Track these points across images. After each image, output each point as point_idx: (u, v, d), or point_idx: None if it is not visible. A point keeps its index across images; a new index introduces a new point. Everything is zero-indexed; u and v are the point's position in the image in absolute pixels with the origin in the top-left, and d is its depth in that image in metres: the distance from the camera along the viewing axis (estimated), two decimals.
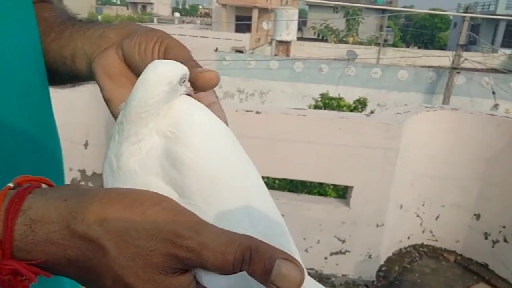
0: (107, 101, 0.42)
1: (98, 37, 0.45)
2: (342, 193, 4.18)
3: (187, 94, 0.35)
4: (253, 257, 0.28)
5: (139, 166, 0.32)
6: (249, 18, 21.65)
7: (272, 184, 5.11)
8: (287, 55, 16.68)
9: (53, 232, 0.28)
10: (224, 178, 0.33)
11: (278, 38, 17.55)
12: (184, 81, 0.34)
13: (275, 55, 16.19)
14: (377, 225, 2.69)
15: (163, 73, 0.32)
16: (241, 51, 15.67)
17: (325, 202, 2.79)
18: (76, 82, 0.53)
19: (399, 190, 2.76)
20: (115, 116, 0.40)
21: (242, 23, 22.06)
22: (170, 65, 0.33)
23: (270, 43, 18.14)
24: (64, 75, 0.49)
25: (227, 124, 0.37)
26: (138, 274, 0.28)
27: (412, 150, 2.73)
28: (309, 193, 5.54)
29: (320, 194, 5.68)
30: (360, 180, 2.60)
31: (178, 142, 0.32)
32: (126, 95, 0.35)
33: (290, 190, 5.65)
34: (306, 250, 2.74)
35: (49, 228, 0.28)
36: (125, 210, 0.28)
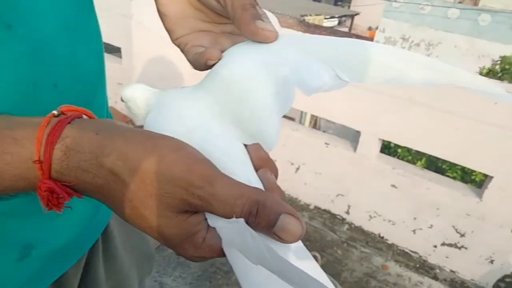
0: (162, 15, 0.41)
1: None
2: None
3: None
4: (260, 212, 0.30)
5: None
6: None
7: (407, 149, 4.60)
8: (475, 3, 14.17)
9: (84, 161, 0.31)
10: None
11: None
12: None
13: (459, 2, 13.90)
14: None
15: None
16: None
17: (451, 185, 2.35)
18: None
19: None
20: (168, 31, 0.41)
21: None
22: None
23: None
24: None
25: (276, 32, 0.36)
26: (153, 209, 0.30)
27: None
28: (450, 168, 4.87)
29: (464, 173, 4.94)
30: (504, 171, 2.09)
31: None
32: (182, 12, 0.40)
33: (428, 159, 5.07)
34: (414, 231, 2.43)
35: (80, 157, 0.31)
36: (145, 152, 0.30)
